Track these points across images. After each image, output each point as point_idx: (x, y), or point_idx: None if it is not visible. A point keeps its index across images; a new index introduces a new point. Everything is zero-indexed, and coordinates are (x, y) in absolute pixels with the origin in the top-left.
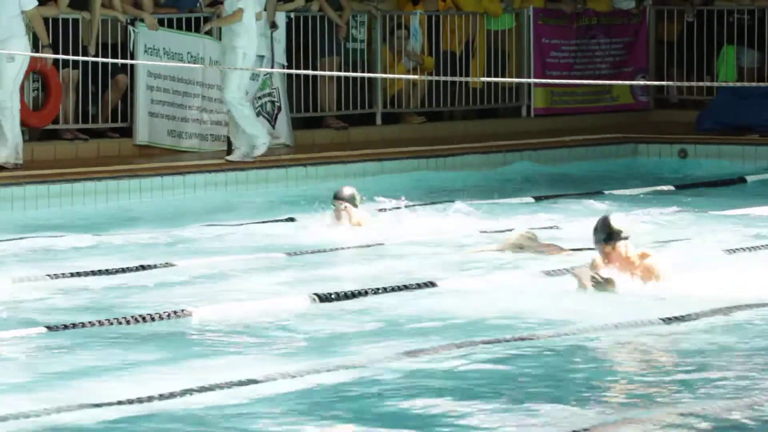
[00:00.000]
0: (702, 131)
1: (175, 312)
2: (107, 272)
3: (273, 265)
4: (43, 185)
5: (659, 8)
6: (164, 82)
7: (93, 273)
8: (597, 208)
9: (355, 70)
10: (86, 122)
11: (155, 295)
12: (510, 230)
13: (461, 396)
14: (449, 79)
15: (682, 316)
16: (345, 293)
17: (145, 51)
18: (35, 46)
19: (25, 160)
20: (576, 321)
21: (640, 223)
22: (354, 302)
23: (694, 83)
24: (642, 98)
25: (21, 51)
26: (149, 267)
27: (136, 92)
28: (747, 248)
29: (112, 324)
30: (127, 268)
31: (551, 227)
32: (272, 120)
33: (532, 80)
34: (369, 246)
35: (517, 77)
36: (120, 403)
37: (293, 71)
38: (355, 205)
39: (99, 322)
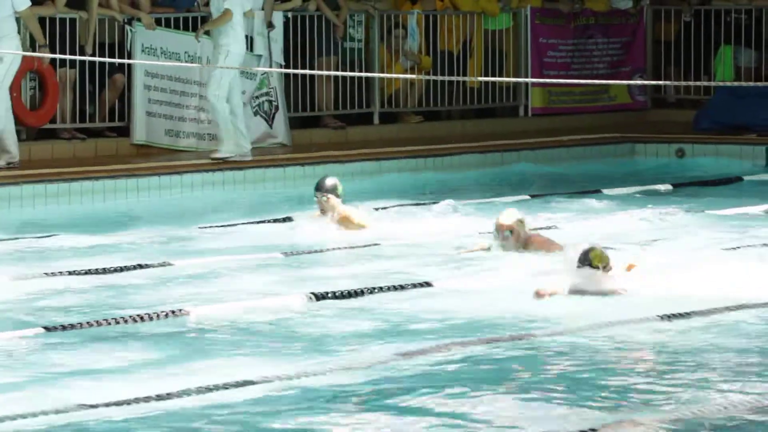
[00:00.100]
0: (699, 131)
1: (172, 312)
2: (105, 272)
3: (270, 264)
4: (41, 184)
5: (656, 8)
6: (161, 81)
7: (90, 272)
8: (595, 207)
9: (352, 70)
10: (84, 122)
11: (153, 295)
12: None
13: (460, 396)
14: (447, 78)
15: (680, 315)
16: (342, 293)
17: (143, 50)
18: (32, 47)
19: (22, 160)
20: (574, 320)
21: (638, 222)
22: (351, 301)
23: (691, 83)
24: (639, 98)
25: (11, 52)
26: (147, 266)
27: (134, 92)
28: (744, 247)
29: (110, 324)
30: (125, 267)
31: (549, 227)
32: (269, 119)
33: (529, 80)
34: (366, 246)
35: (515, 77)
36: (117, 403)
37: (291, 71)
38: (338, 196)
39: (97, 322)
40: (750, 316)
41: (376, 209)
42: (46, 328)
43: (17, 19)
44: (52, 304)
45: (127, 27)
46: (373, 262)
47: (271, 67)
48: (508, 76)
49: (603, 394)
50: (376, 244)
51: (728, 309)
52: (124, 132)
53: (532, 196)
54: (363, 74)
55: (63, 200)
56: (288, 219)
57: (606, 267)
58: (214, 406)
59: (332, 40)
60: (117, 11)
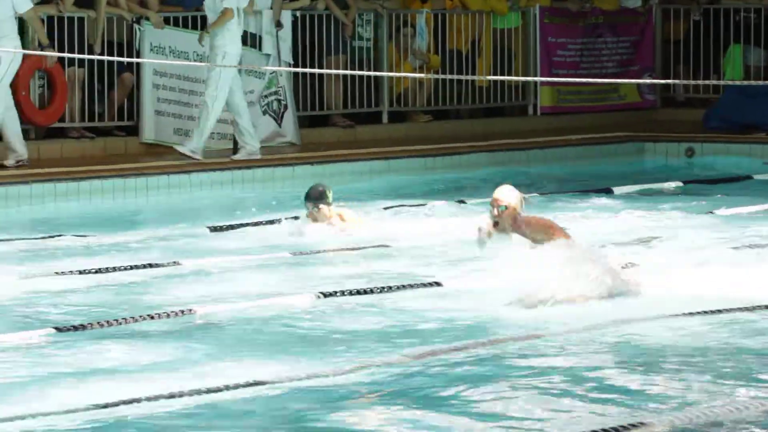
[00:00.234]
0: (709, 130)
1: (181, 311)
2: (114, 271)
3: (279, 263)
4: (50, 183)
5: (665, 7)
6: (170, 80)
7: (100, 272)
8: (604, 206)
9: (361, 69)
10: (93, 121)
11: (162, 294)
12: None
13: (468, 395)
14: (456, 77)
15: (689, 314)
16: (350, 291)
17: (151, 49)
18: (40, 45)
19: (31, 159)
20: (582, 318)
21: (647, 221)
22: (359, 301)
23: (700, 81)
24: (649, 97)
25: (8, 53)
26: (156, 266)
27: (142, 90)
28: (755, 246)
29: (119, 324)
30: (134, 266)
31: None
32: (278, 118)
33: (538, 78)
34: (374, 246)
35: (524, 76)
36: (126, 402)
37: (299, 69)
38: (328, 203)
39: (107, 322)
40: (760, 316)
41: (386, 208)
42: (57, 329)
43: (20, 20)
44: (61, 303)
45: (136, 26)
46: (381, 261)
47: (279, 66)
48: (516, 75)
49: (613, 395)
50: (385, 245)
51: (739, 309)
52: (133, 131)
53: (541, 195)
54: (372, 73)
55: (72, 199)
56: (296, 218)
57: None
58: (224, 406)
59: (341, 39)
60: (125, 10)
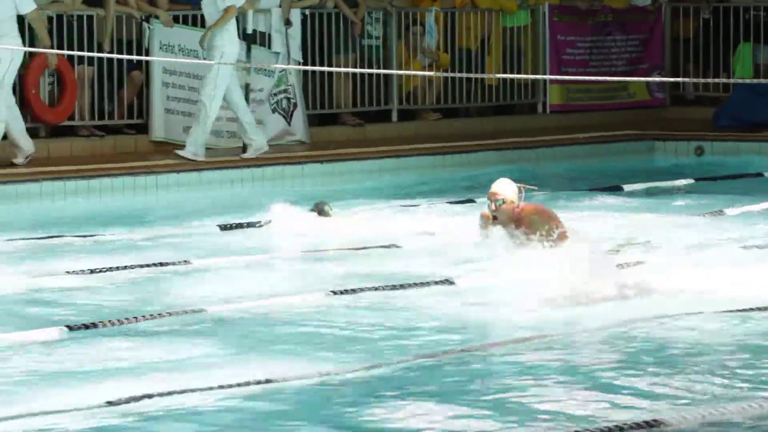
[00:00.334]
0: (719, 128)
1: (192, 309)
2: (125, 269)
3: (289, 261)
4: (60, 181)
5: (675, 5)
6: (179, 78)
7: (110, 270)
8: (614, 204)
9: (370, 67)
10: (102, 119)
11: (172, 293)
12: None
13: (483, 394)
14: (465, 75)
15: (698, 313)
16: (360, 289)
17: (160, 48)
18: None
19: (41, 157)
20: (594, 317)
21: (657, 220)
22: (370, 298)
23: (710, 80)
24: (658, 95)
25: (6, 52)
26: (166, 264)
27: (152, 89)
28: (763, 246)
29: (130, 322)
30: (145, 264)
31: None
32: (288, 117)
33: (547, 77)
34: (383, 243)
35: (533, 74)
36: (137, 398)
37: (309, 68)
38: (328, 215)
39: (118, 320)
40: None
41: (395, 207)
42: (68, 327)
43: (21, 19)
44: (73, 302)
45: (145, 24)
46: (391, 260)
47: (289, 64)
48: (526, 74)
49: (626, 392)
50: (395, 245)
51: (751, 309)
52: (143, 129)
53: (551, 194)
54: (381, 71)
55: (82, 197)
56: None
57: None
58: (235, 404)
59: (350, 37)
60: (134, 8)
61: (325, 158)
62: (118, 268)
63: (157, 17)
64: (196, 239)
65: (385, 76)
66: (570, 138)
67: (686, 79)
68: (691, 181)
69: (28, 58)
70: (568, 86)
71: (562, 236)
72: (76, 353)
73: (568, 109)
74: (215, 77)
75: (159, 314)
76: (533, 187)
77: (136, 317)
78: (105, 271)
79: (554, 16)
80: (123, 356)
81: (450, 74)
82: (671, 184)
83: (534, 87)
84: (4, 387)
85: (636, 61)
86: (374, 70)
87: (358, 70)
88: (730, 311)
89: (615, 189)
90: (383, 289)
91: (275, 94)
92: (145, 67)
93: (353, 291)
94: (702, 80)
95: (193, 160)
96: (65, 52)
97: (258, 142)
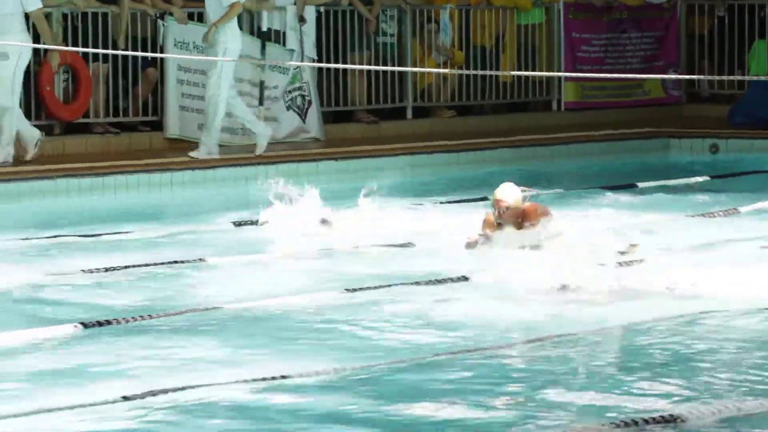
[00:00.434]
0: (734, 125)
1: (206, 307)
2: (139, 266)
3: (303, 259)
4: (74, 179)
5: (690, 2)
6: (194, 75)
7: (125, 267)
8: (629, 202)
9: (385, 64)
10: (117, 116)
11: (186, 290)
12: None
13: (500, 391)
14: (480, 72)
15: (715, 311)
16: (376, 287)
17: (175, 45)
18: (64, 41)
19: (56, 154)
20: (611, 315)
21: (671, 217)
22: (385, 297)
23: (725, 77)
24: (674, 92)
25: (15, 48)
26: (181, 261)
27: (166, 86)
28: None
29: (144, 319)
30: (159, 262)
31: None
32: (302, 114)
33: (562, 74)
34: (400, 243)
35: (548, 71)
36: (154, 393)
37: (324, 65)
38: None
39: (133, 318)
40: None
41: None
42: (83, 324)
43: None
44: (87, 299)
45: (160, 21)
46: (406, 257)
47: (303, 61)
48: (541, 71)
49: (643, 388)
50: (410, 243)
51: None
52: (158, 126)
53: (566, 191)
54: (396, 69)
55: (96, 194)
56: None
57: None
58: (250, 400)
59: (365, 34)
60: (149, 6)
61: (340, 156)
62: (132, 266)
63: (171, 14)
64: (211, 236)
65: (400, 73)
66: (585, 135)
67: (701, 77)
68: (706, 178)
69: (43, 55)
70: (582, 84)
71: (558, 233)
72: (91, 350)
73: (582, 106)
74: (219, 75)
75: (173, 312)
76: (534, 190)
77: (150, 314)
78: (119, 269)
79: (569, 14)
80: (137, 353)
81: (465, 72)
82: (686, 182)
83: (549, 84)
84: (19, 383)
85: (651, 58)
86: (389, 68)
87: (372, 68)
88: (747, 309)
89: (629, 186)
90: (398, 285)
91: (290, 92)
92: (160, 65)
93: (368, 289)
94: (717, 77)
95: (197, 158)
96: (80, 49)
97: (260, 131)
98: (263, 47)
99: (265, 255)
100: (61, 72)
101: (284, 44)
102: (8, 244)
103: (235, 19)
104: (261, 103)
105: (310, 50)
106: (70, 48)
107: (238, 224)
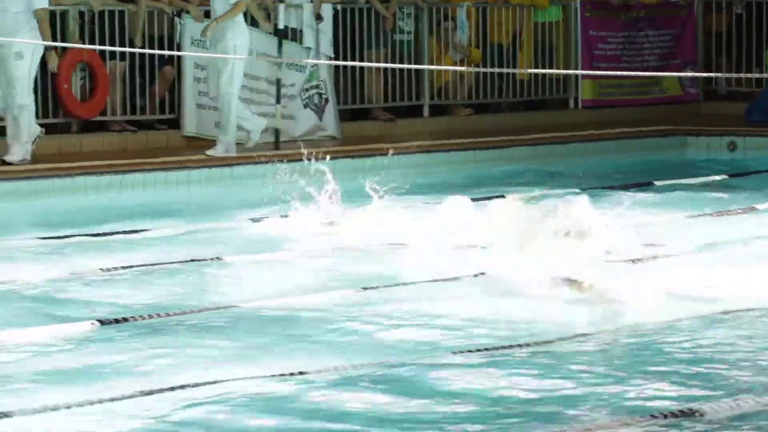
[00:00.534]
0: (751, 123)
1: (223, 306)
2: (157, 264)
3: (320, 257)
4: (92, 176)
5: (707, 0)
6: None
7: (142, 265)
8: (646, 200)
9: (402, 62)
10: (134, 114)
11: (204, 287)
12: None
13: (520, 388)
14: (496, 70)
15: (734, 310)
16: (391, 285)
17: (192, 43)
18: (81, 38)
19: (73, 152)
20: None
21: (689, 216)
22: (402, 295)
23: (743, 75)
24: (691, 90)
25: (28, 46)
26: (198, 260)
27: (184, 84)
28: None
29: (161, 317)
30: (176, 261)
31: None
32: (319, 112)
33: (579, 72)
34: (412, 238)
35: (565, 69)
36: (172, 388)
37: (341, 63)
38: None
39: (149, 315)
40: None
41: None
42: (101, 321)
43: (56, 16)
44: (104, 297)
45: (176, 19)
46: (421, 256)
47: (319, 59)
48: (558, 69)
49: (663, 383)
50: (425, 240)
51: None
52: (175, 124)
53: (582, 190)
54: (413, 66)
55: (114, 192)
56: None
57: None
58: (269, 395)
59: (381, 32)
60: (166, 4)
61: (356, 153)
62: (149, 264)
63: (188, 12)
64: (228, 234)
65: (417, 71)
66: (601, 133)
67: (719, 74)
68: (723, 176)
69: (61, 53)
70: (599, 81)
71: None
72: (107, 348)
73: (599, 104)
74: (231, 72)
75: (190, 309)
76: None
77: (167, 312)
78: (137, 267)
79: (586, 12)
80: (154, 350)
81: (482, 69)
82: (703, 180)
83: (566, 82)
84: (36, 381)
85: (668, 56)
86: (406, 66)
87: (389, 65)
88: (766, 307)
89: (646, 185)
90: (414, 283)
91: (307, 90)
92: (177, 63)
93: (384, 287)
94: (735, 75)
95: (215, 156)
96: (96, 47)
97: (252, 124)
98: (280, 45)
99: (282, 253)
100: (78, 70)
101: (301, 42)
102: (26, 242)
103: (242, 16)
104: (278, 101)
105: (327, 48)
106: (86, 46)
107: (255, 222)
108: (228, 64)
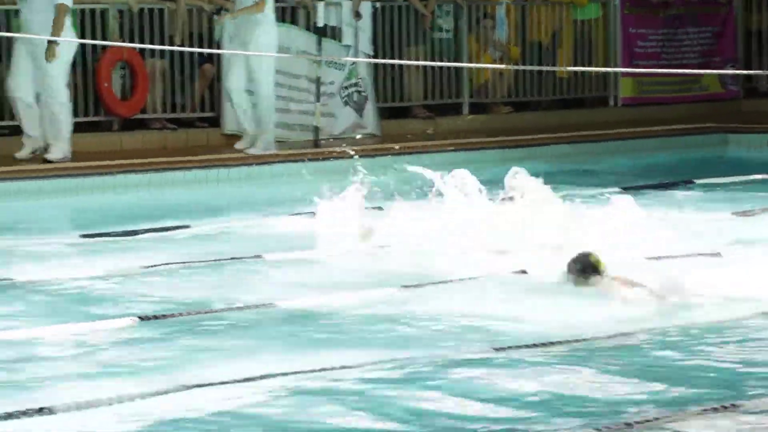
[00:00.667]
0: None
1: (263, 304)
2: (195, 262)
3: (357, 256)
4: (133, 174)
5: None
6: None
7: (182, 262)
8: (687, 199)
9: (441, 60)
10: (174, 112)
11: (243, 285)
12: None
13: (552, 385)
14: (536, 68)
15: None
16: (430, 283)
17: (231, 41)
18: (121, 37)
19: (114, 150)
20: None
21: (731, 214)
22: (441, 292)
23: None
24: (731, 87)
25: (64, 45)
26: (237, 258)
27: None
28: None
29: (200, 314)
30: (216, 258)
31: None
32: (359, 110)
33: (618, 69)
34: (452, 236)
35: (604, 67)
36: (212, 384)
37: (380, 60)
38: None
39: (188, 312)
40: None
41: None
42: (140, 318)
43: (72, 12)
44: (144, 294)
45: (216, 17)
46: (460, 254)
47: (358, 57)
48: (597, 67)
49: (702, 377)
50: (463, 237)
51: None
52: (215, 122)
53: (623, 188)
54: (452, 64)
55: (154, 190)
56: (378, 209)
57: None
58: (305, 391)
59: (420, 30)
60: (205, 2)
61: (396, 151)
62: (189, 261)
63: (227, 10)
64: (267, 232)
65: (456, 69)
66: (642, 131)
67: (759, 72)
68: (764, 174)
69: (101, 51)
70: (639, 79)
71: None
72: (147, 344)
73: (639, 102)
74: (262, 69)
75: (229, 307)
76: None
77: (207, 310)
78: (176, 264)
79: (625, 9)
80: (193, 347)
81: (521, 67)
82: (744, 178)
83: (605, 80)
84: (77, 377)
85: (708, 53)
86: (445, 63)
87: (429, 63)
88: None
89: (687, 183)
90: (452, 280)
91: (346, 87)
92: (217, 61)
93: (423, 285)
94: None
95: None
96: (136, 45)
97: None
98: (319, 43)
99: (320, 251)
100: (118, 68)
101: (340, 40)
102: (67, 240)
103: (271, 14)
104: (317, 99)
105: (366, 46)
106: (126, 44)
107: (294, 220)
108: (259, 63)
